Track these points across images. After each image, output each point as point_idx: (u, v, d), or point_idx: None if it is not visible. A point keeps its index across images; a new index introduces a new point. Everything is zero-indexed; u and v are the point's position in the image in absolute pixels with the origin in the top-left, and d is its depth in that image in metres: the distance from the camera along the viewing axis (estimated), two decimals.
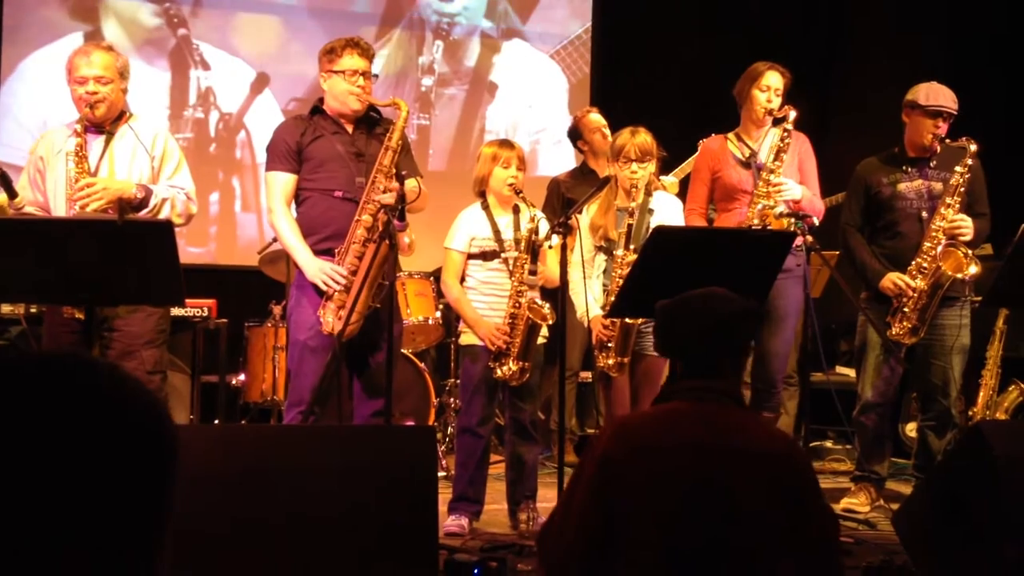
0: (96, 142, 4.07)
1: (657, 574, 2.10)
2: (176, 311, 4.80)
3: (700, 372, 2.29)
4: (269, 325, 5.88)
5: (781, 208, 4.55)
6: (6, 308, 5.07)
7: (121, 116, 4.14)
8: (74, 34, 6.51)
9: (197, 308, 5.44)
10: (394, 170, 3.98)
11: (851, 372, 6.58)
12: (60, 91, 4.19)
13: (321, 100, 4.24)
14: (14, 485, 0.91)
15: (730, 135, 4.84)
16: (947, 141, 4.68)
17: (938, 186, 4.68)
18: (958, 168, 4.59)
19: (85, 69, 4.01)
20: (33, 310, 4.96)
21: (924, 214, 4.66)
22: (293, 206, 4.21)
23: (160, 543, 0.99)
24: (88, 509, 0.93)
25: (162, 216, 4.02)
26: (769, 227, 4.51)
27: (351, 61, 4.11)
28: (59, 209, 4.01)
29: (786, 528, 2.13)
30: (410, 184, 4.02)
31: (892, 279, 4.62)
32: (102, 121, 4.06)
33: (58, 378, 0.97)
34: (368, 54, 4.18)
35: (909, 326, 4.61)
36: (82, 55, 4.06)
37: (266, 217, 4.23)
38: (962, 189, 4.59)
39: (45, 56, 6.61)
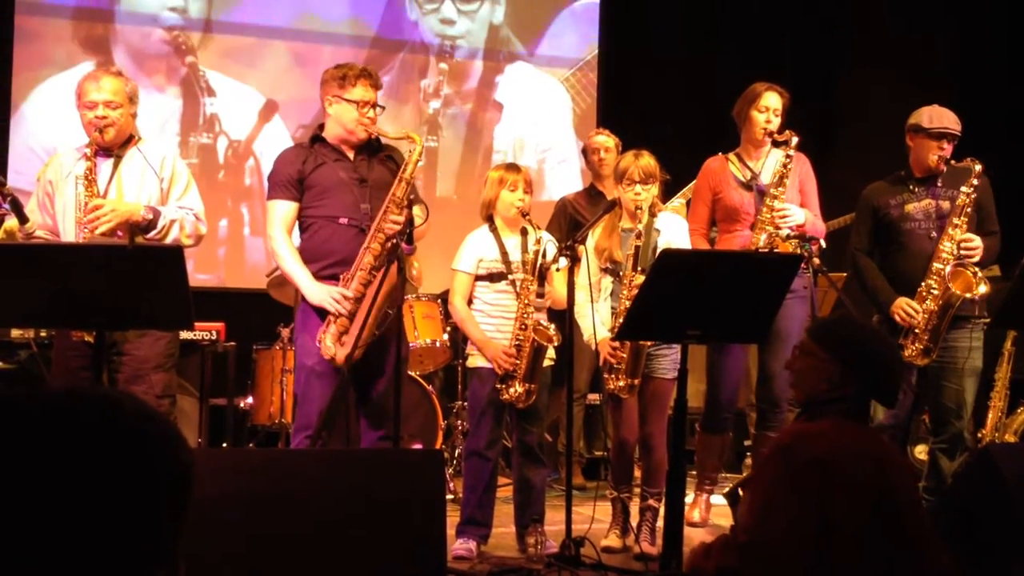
0: (105, 165, 4.09)
1: (861, 563, 2.36)
2: (185, 334, 4.81)
3: (874, 398, 2.64)
4: (277, 348, 5.90)
5: (787, 231, 4.56)
6: (15, 332, 5.08)
7: (130, 140, 4.17)
8: (85, 63, 6.56)
9: (206, 331, 5.46)
10: (406, 201, 3.99)
11: None
12: (71, 119, 4.22)
13: (320, 127, 4.25)
14: (33, 512, 0.93)
15: (731, 156, 4.86)
16: (952, 162, 4.69)
17: (946, 205, 4.68)
18: (964, 188, 4.59)
19: (95, 94, 4.04)
20: (43, 334, 4.97)
21: (933, 234, 4.65)
22: (297, 234, 4.22)
23: (173, 566, 1.01)
24: (102, 534, 0.95)
25: (171, 237, 4.04)
26: (776, 250, 4.51)
27: (362, 92, 4.13)
28: (68, 232, 4.03)
29: (920, 521, 2.54)
30: (416, 211, 4.04)
31: (901, 306, 4.60)
32: (111, 145, 4.09)
33: (76, 410, 0.99)
34: (378, 85, 4.20)
35: (921, 347, 4.59)
36: (91, 80, 4.09)
37: (265, 244, 4.24)
38: (968, 209, 4.59)
39: (56, 84, 6.67)
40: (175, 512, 1.01)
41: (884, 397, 2.68)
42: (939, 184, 4.72)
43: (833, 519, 2.37)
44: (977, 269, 4.52)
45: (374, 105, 4.16)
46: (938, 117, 4.69)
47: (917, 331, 4.59)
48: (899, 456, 2.62)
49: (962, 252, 4.54)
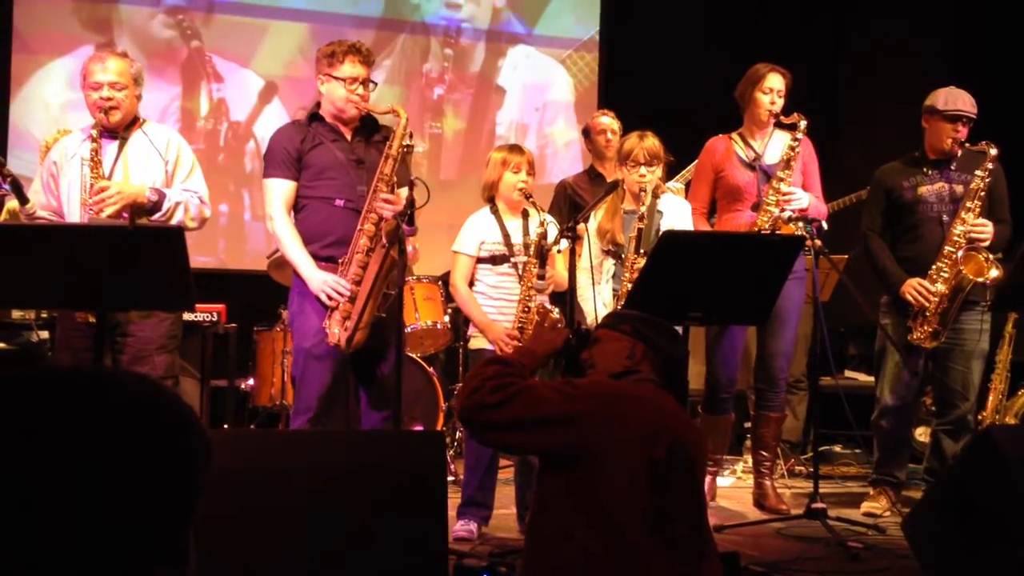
0: (110, 147, 4.09)
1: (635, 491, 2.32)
2: (186, 316, 4.81)
3: (667, 369, 2.62)
4: (278, 329, 5.90)
5: (789, 212, 4.55)
6: (17, 313, 5.08)
7: (135, 122, 4.17)
8: (87, 47, 6.53)
9: (207, 313, 5.46)
10: (395, 178, 3.96)
11: (860, 376, 6.57)
12: (72, 103, 4.21)
13: (318, 106, 4.21)
14: (45, 494, 0.91)
15: (734, 135, 4.86)
16: (967, 145, 4.67)
17: (959, 189, 4.66)
18: (978, 172, 4.57)
19: (100, 75, 4.03)
20: (45, 315, 4.97)
21: (945, 217, 4.64)
22: (292, 213, 4.20)
23: (183, 556, 0.99)
24: (118, 517, 0.93)
25: (175, 220, 4.04)
26: (778, 231, 4.51)
27: (351, 68, 4.06)
28: (73, 214, 4.03)
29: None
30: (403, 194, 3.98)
31: (913, 285, 4.60)
32: (116, 126, 4.09)
33: (88, 390, 0.97)
34: (368, 61, 4.12)
35: (930, 330, 4.59)
36: (97, 61, 4.09)
37: (267, 225, 4.20)
38: (982, 193, 4.58)
39: (58, 68, 6.65)
40: (183, 500, 0.98)
41: (677, 367, 2.66)
42: (953, 168, 4.71)
43: (602, 442, 2.31)
44: (989, 253, 4.50)
45: (364, 81, 4.10)
46: (953, 99, 4.66)
47: (928, 314, 4.58)
48: (691, 426, 2.57)
49: (972, 235, 4.53)
